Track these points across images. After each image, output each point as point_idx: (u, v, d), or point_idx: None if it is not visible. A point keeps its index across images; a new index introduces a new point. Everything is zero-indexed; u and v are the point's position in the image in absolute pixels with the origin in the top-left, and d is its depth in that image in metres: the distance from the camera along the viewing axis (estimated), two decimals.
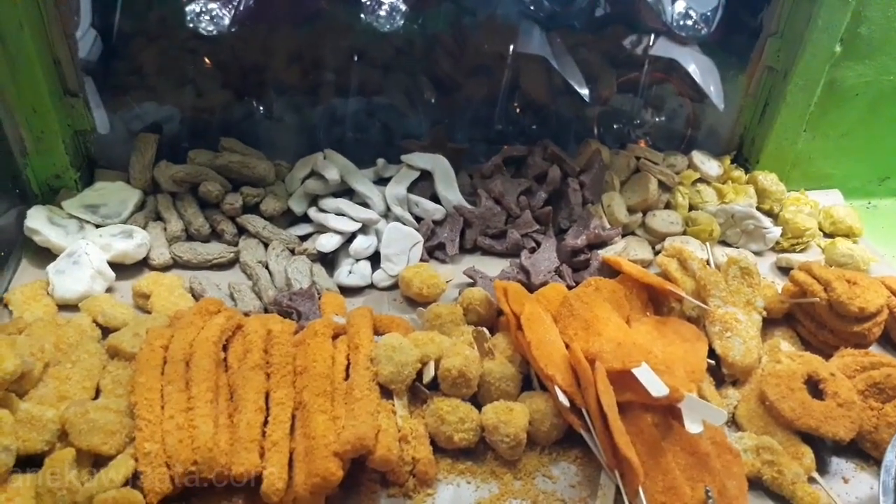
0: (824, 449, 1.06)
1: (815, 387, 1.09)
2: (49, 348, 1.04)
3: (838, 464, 1.06)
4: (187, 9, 1.44)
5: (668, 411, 1.00)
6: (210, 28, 1.47)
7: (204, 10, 1.46)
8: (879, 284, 1.23)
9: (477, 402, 1.06)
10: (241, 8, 1.50)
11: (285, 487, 0.90)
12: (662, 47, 1.63)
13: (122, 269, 1.29)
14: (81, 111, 1.40)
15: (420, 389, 1.06)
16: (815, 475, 1.01)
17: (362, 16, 1.54)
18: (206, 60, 1.60)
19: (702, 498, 0.94)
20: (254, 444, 0.93)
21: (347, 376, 1.03)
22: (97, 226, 1.35)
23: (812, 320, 1.23)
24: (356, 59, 1.64)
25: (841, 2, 1.41)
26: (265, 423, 0.96)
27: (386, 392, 1.03)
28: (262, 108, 1.66)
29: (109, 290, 1.26)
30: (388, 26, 1.52)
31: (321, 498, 0.91)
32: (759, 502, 0.99)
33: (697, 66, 1.62)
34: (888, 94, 1.56)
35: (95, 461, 0.92)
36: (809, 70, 1.50)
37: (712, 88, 1.63)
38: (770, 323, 1.25)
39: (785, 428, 1.05)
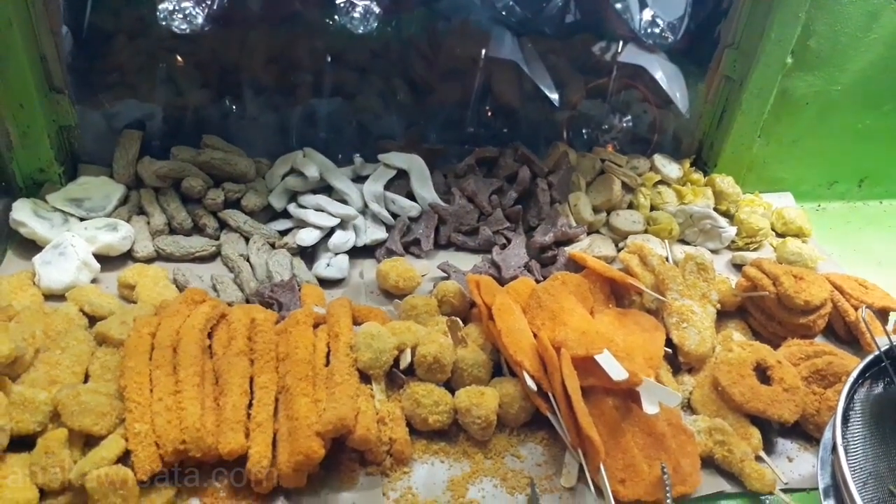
0: (771, 430, 1.12)
1: (763, 373, 1.16)
2: (39, 335, 1.07)
3: (784, 444, 1.12)
4: (160, 6, 1.44)
5: (628, 395, 1.07)
6: (183, 26, 1.46)
7: (177, 8, 1.46)
8: (824, 280, 1.32)
9: (450, 386, 1.11)
10: (216, 7, 1.52)
11: (269, 465, 0.94)
12: (630, 54, 1.68)
13: (107, 260, 1.32)
14: (66, 107, 1.42)
15: (397, 375, 1.10)
16: (762, 454, 1.08)
17: (336, 17, 1.57)
18: (185, 60, 1.61)
19: (658, 475, 1.00)
20: (239, 424, 0.97)
21: (328, 363, 1.08)
22: (81, 219, 1.37)
23: (762, 312, 1.31)
24: (332, 60, 1.67)
25: (792, 16, 1.49)
26: (250, 405, 1.00)
27: (365, 377, 1.08)
28: (240, 107, 1.68)
29: (94, 280, 1.29)
30: (361, 28, 1.54)
31: (303, 475, 0.95)
32: (711, 479, 1.05)
33: (664, 73, 1.67)
34: (836, 103, 1.65)
35: (87, 441, 0.95)
36: (763, 80, 1.58)
37: (678, 94, 1.69)
38: (724, 315, 1.32)
39: (735, 411, 1.12)
